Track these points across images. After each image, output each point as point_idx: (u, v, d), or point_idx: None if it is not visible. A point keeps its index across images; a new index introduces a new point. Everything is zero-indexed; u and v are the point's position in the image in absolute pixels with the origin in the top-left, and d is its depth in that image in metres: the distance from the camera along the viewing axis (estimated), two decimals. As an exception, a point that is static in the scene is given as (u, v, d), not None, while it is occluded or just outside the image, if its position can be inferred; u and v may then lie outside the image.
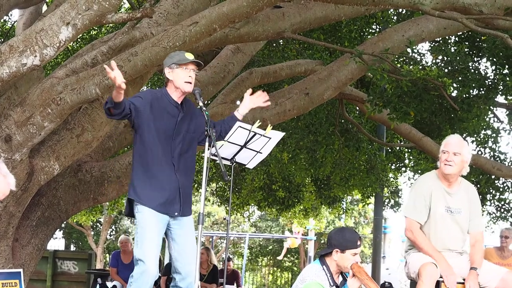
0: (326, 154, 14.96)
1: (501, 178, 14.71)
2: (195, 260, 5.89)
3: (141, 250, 5.84)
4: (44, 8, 12.19)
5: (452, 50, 12.49)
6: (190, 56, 6.06)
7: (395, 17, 14.11)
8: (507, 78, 11.65)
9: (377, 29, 14.84)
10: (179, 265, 6.04)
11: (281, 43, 14.13)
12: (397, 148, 16.91)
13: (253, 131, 6.02)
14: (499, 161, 14.53)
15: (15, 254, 8.62)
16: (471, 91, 11.52)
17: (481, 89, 11.66)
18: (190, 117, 6.16)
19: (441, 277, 6.29)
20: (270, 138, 6.23)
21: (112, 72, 5.56)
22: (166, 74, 6.07)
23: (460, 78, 11.29)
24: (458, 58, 11.45)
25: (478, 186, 14.23)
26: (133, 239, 13.23)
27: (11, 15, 16.06)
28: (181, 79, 5.99)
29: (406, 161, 17.41)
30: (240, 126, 5.90)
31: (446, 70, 11.73)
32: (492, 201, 15.37)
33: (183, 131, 6.07)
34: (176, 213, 6.00)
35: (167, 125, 5.99)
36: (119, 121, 8.00)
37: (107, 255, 34.98)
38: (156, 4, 8.82)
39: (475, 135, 14.61)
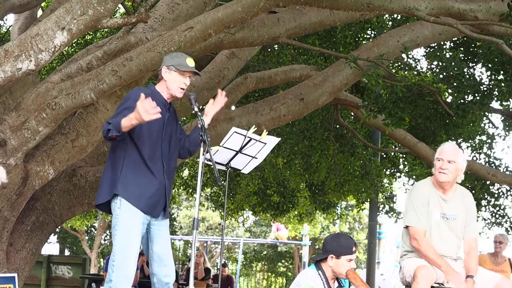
0: (320, 160, 14.96)
1: (496, 184, 14.72)
2: (173, 262, 5.80)
3: (122, 253, 5.61)
4: (39, 13, 12.17)
5: (447, 56, 12.51)
6: (190, 64, 5.87)
7: (390, 23, 14.12)
8: (502, 84, 11.67)
9: (372, 35, 14.84)
10: (156, 265, 5.85)
11: (276, 48, 14.13)
12: (392, 153, 16.91)
13: (248, 137, 5.99)
14: (494, 167, 14.54)
15: (9, 259, 8.59)
16: (466, 96, 11.54)
17: (476, 95, 11.68)
18: (175, 120, 6.01)
19: (436, 282, 6.29)
20: (265, 143, 6.21)
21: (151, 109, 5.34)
22: (162, 72, 5.87)
23: (455, 84, 11.31)
24: (453, 63, 11.47)
25: (473, 192, 14.22)
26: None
27: (6, 19, 16.05)
28: (176, 84, 5.83)
29: (401, 167, 17.41)
30: (236, 132, 5.87)
31: (441, 76, 11.75)
32: (487, 207, 15.38)
33: (170, 132, 5.91)
34: (160, 214, 5.84)
35: (156, 125, 5.75)
36: None
37: (101, 259, 34.96)
38: (151, 9, 8.81)
39: (470, 141, 14.64)
